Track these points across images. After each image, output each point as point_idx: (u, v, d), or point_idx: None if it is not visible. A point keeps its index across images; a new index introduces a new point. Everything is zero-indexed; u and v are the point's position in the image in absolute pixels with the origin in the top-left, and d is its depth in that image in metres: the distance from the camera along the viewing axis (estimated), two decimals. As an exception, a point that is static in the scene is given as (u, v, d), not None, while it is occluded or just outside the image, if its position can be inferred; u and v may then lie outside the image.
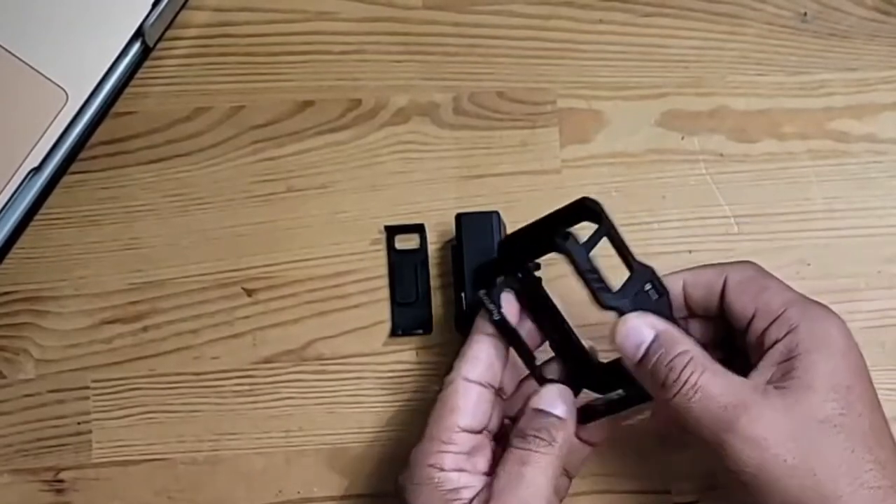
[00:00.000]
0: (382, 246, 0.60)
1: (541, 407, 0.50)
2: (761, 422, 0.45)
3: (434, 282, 0.60)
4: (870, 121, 0.61)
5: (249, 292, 0.60)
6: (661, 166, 0.61)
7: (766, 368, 0.48)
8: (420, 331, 0.59)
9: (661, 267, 0.59)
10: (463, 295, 0.56)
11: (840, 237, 0.60)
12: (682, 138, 0.61)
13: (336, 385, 0.59)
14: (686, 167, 0.61)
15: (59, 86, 0.57)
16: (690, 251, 0.60)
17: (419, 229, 0.60)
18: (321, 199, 0.60)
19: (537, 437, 0.49)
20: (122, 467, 0.59)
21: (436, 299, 0.60)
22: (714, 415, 0.46)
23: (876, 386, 0.57)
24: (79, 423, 0.59)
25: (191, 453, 0.59)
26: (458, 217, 0.58)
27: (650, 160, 0.61)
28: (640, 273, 0.49)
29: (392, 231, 0.60)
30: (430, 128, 0.61)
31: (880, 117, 0.61)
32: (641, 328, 0.48)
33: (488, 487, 0.49)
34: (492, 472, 0.50)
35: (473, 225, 0.57)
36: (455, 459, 0.50)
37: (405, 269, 0.60)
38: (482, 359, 0.51)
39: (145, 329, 0.60)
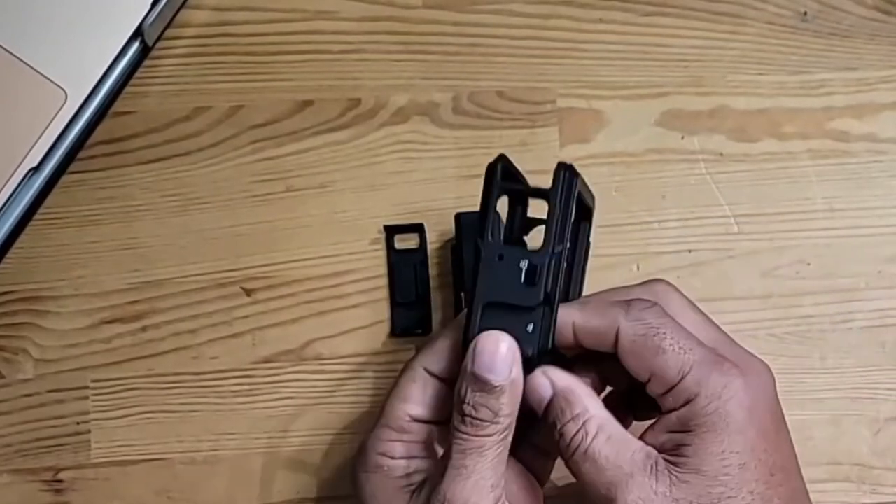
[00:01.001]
0: (382, 246, 0.60)
1: (476, 371, 0.45)
2: (641, 502, 0.44)
3: (434, 282, 0.60)
4: (870, 120, 0.61)
5: (248, 292, 0.60)
6: (661, 166, 0.61)
7: (660, 433, 0.46)
8: (419, 331, 0.59)
9: (661, 267, 0.60)
10: (462, 295, 0.56)
11: (840, 237, 0.60)
12: (683, 138, 0.61)
13: (335, 385, 0.59)
14: (686, 167, 0.61)
15: (57, 85, 0.57)
16: (690, 251, 0.60)
17: (419, 229, 0.60)
18: (320, 199, 0.60)
19: (476, 417, 0.45)
20: (121, 467, 0.59)
21: (435, 299, 0.60)
22: (598, 487, 0.45)
23: (876, 386, 0.58)
24: (78, 423, 0.59)
25: (190, 453, 0.59)
26: (458, 217, 0.58)
27: (650, 160, 0.61)
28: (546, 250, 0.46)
29: (391, 231, 0.60)
30: (429, 127, 0.61)
31: (881, 117, 0.61)
32: (541, 385, 0.46)
33: (434, 474, 0.47)
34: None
35: (473, 225, 0.56)
36: (407, 448, 0.48)
37: (404, 269, 0.60)
38: (446, 352, 0.48)
39: (144, 329, 0.60)
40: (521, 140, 0.61)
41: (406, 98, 0.61)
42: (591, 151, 0.61)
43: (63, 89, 0.57)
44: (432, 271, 0.60)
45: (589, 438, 0.45)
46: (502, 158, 0.48)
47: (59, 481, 0.59)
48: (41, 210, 0.60)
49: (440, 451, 0.49)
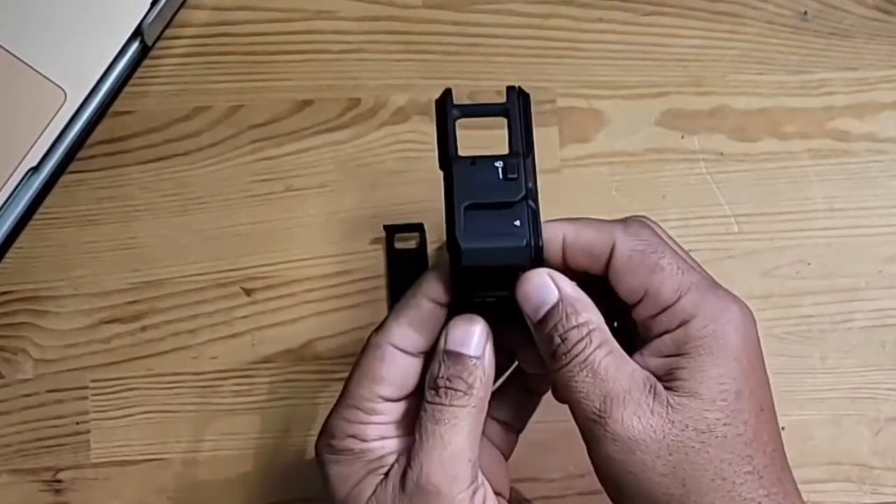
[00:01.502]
0: (381, 246, 0.60)
1: (450, 348, 0.44)
2: (637, 423, 0.42)
3: (433, 281, 0.60)
4: (870, 120, 0.61)
5: (248, 292, 0.60)
6: (661, 165, 0.61)
7: (652, 357, 0.44)
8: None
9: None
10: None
11: (840, 237, 0.60)
12: (682, 137, 0.61)
13: (335, 385, 0.59)
14: (686, 166, 0.61)
15: (57, 85, 0.57)
16: (690, 250, 0.60)
17: (419, 229, 0.60)
18: (320, 199, 0.60)
19: (450, 387, 0.44)
20: (121, 467, 0.59)
21: (435, 299, 0.60)
22: (592, 400, 0.43)
23: (876, 386, 0.58)
24: (77, 423, 0.59)
25: (189, 453, 0.59)
26: (458, 216, 0.57)
27: (650, 159, 0.61)
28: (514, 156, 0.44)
29: (391, 230, 0.60)
30: (429, 127, 0.61)
31: (881, 116, 0.61)
32: (545, 289, 0.43)
33: (407, 451, 0.44)
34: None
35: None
36: (378, 429, 0.45)
37: (404, 269, 0.60)
38: (416, 325, 0.45)
39: (144, 329, 0.60)
40: (520, 140, 0.61)
41: (406, 98, 0.61)
42: (591, 151, 0.61)
43: (62, 89, 0.57)
44: (432, 271, 0.60)
45: (591, 348, 0.43)
46: (449, 92, 0.46)
47: (59, 481, 0.59)
48: (41, 210, 0.60)
49: (410, 429, 0.46)
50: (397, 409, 0.46)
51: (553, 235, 0.45)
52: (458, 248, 0.43)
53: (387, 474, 0.45)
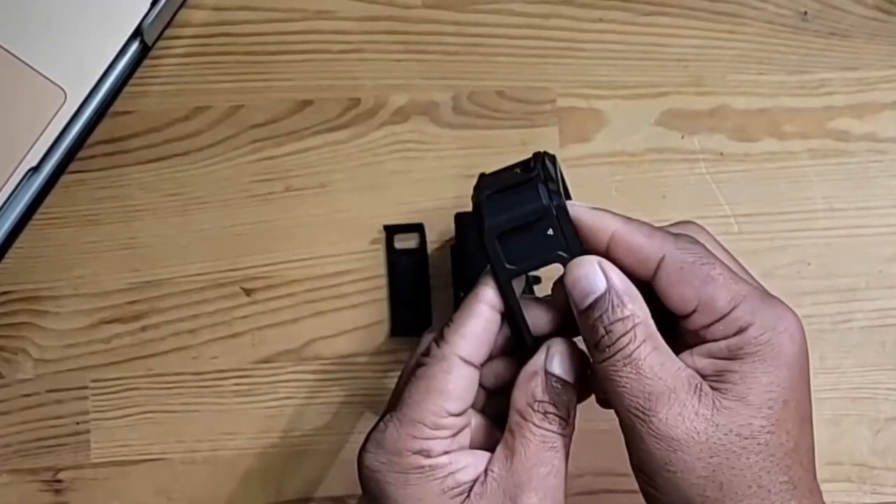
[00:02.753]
0: (381, 246, 0.60)
1: (557, 373, 0.44)
2: (681, 423, 0.42)
3: (434, 282, 0.60)
4: (870, 120, 0.61)
5: (248, 292, 0.60)
6: (661, 165, 0.61)
7: (701, 358, 0.43)
8: (419, 331, 0.59)
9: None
10: (462, 294, 0.55)
11: (840, 237, 0.60)
12: (683, 137, 0.61)
13: (335, 385, 0.59)
14: (686, 166, 0.61)
15: (57, 85, 0.57)
16: (690, 251, 0.60)
17: (418, 229, 0.60)
18: (320, 199, 0.60)
19: (556, 415, 0.44)
20: (121, 467, 0.59)
21: (435, 299, 0.60)
22: (636, 396, 0.42)
23: (876, 386, 0.58)
24: (77, 423, 0.59)
25: (189, 453, 0.59)
26: (458, 217, 0.58)
27: (650, 159, 0.61)
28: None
29: (391, 231, 0.60)
30: (429, 127, 0.61)
31: (881, 116, 0.61)
32: (595, 277, 0.43)
33: (496, 474, 0.44)
34: (477, 444, 0.46)
35: (473, 224, 0.56)
36: (442, 444, 0.44)
37: (404, 269, 0.60)
38: (480, 335, 0.44)
39: (144, 329, 0.60)
40: (521, 140, 0.61)
41: (406, 98, 0.61)
42: (591, 151, 0.61)
43: (62, 89, 0.57)
44: (432, 271, 0.60)
45: (637, 342, 0.42)
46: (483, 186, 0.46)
47: (59, 481, 0.59)
48: (41, 210, 0.60)
49: (467, 441, 0.46)
50: (457, 423, 0.45)
51: (604, 225, 0.44)
52: (482, 218, 0.44)
53: (467, 494, 0.44)
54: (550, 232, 0.44)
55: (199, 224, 0.60)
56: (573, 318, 0.44)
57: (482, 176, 0.47)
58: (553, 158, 0.47)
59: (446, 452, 0.44)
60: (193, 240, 0.60)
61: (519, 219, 0.44)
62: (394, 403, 0.45)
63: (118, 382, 0.59)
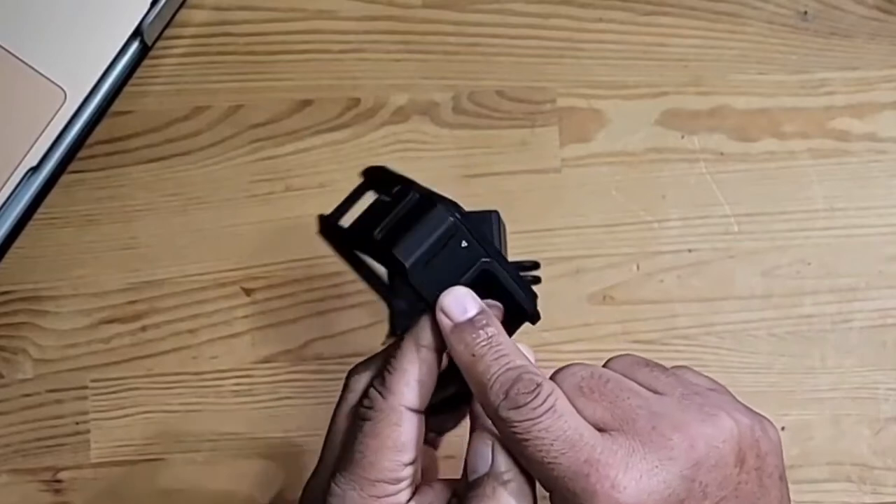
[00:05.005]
0: (381, 245, 0.60)
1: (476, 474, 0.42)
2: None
3: (433, 281, 0.60)
4: (870, 120, 0.61)
5: (248, 292, 0.60)
6: (661, 165, 0.61)
7: None
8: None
9: (661, 266, 0.60)
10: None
11: (841, 236, 0.60)
12: (683, 137, 0.61)
13: (335, 385, 0.59)
14: (686, 166, 0.61)
15: (57, 85, 0.57)
16: (690, 250, 0.60)
17: (418, 229, 0.60)
18: (320, 199, 0.60)
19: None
20: (121, 467, 0.59)
21: (435, 299, 0.60)
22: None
23: (876, 386, 0.58)
24: (77, 423, 0.59)
25: (189, 453, 0.59)
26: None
27: (650, 159, 0.61)
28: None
29: (391, 230, 0.60)
30: (429, 127, 0.61)
31: (881, 116, 0.61)
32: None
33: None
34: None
35: (473, 224, 0.56)
36: (406, 494, 0.42)
37: (404, 269, 0.59)
38: (425, 382, 0.43)
39: (144, 329, 0.60)
40: (520, 139, 0.61)
41: (406, 97, 0.61)
42: (591, 151, 0.61)
43: (62, 89, 0.57)
44: (432, 271, 0.60)
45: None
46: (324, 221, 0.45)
47: (59, 481, 0.59)
48: (40, 210, 0.60)
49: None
50: (413, 469, 0.43)
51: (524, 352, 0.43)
52: (391, 258, 0.43)
53: None
54: (464, 244, 0.43)
55: (199, 224, 0.60)
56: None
57: (323, 218, 0.46)
58: (383, 168, 0.46)
59: (410, 500, 0.43)
60: (193, 240, 0.60)
61: (434, 246, 0.43)
62: (341, 459, 0.43)
63: (118, 382, 0.59)
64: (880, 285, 0.60)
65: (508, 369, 0.41)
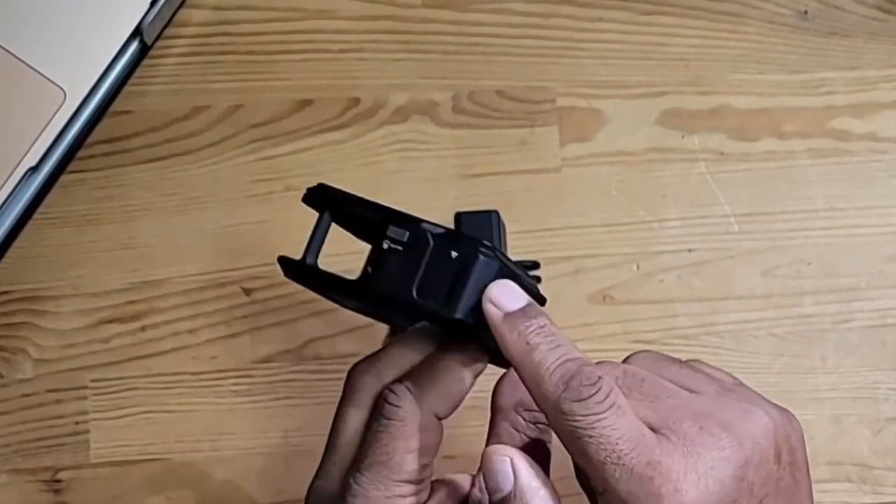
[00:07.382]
0: (381, 245, 0.60)
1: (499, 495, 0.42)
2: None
3: (433, 281, 0.60)
4: (870, 119, 0.61)
5: (247, 291, 0.60)
6: (661, 165, 0.61)
7: None
8: (419, 330, 0.59)
9: (661, 266, 0.60)
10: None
11: (841, 236, 0.60)
12: (683, 137, 0.61)
13: (335, 385, 0.59)
14: (686, 166, 0.61)
15: (56, 84, 0.57)
16: (690, 250, 0.60)
17: (418, 228, 0.60)
18: (320, 199, 0.60)
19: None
20: (121, 467, 0.59)
21: (435, 299, 0.60)
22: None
23: (876, 386, 0.58)
24: (77, 423, 0.59)
25: (189, 453, 0.59)
26: (458, 216, 0.57)
27: (650, 159, 0.61)
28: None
29: (391, 230, 0.60)
30: (429, 126, 0.61)
31: (881, 116, 0.61)
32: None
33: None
34: None
35: (473, 224, 0.56)
36: (426, 494, 0.43)
37: (404, 269, 0.59)
38: (455, 396, 0.42)
39: (143, 329, 0.60)
40: (520, 139, 0.61)
41: (405, 97, 0.61)
42: (591, 151, 0.61)
43: (62, 88, 0.57)
44: (432, 271, 0.60)
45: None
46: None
47: (58, 481, 0.59)
48: (40, 210, 0.60)
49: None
50: (431, 469, 0.43)
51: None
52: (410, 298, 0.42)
53: None
54: (454, 254, 0.42)
55: (198, 224, 0.60)
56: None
57: (292, 262, 0.46)
58: (323, 185, 0.46)
59: (429, 499, 0.43)
60: (193, 239, 0.60)
61: (430, 269, 0.42)
62: (362, 458, 0.42)
63: (117, 382, 0.59)
64: (880, 285, 0.60)
65: (567, 360, 0.39)
